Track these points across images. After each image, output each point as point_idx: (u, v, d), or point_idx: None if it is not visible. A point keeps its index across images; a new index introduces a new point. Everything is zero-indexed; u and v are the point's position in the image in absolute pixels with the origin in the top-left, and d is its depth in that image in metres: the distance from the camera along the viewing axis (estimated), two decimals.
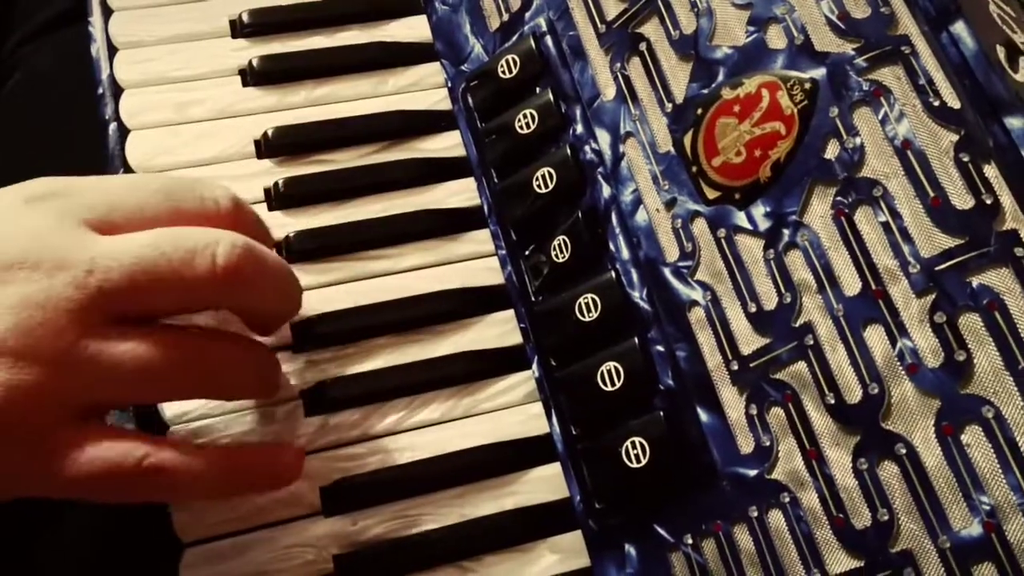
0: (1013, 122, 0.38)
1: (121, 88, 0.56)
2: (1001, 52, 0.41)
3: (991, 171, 0.38)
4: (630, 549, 0.45)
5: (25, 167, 0.66)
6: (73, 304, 0.38)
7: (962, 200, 0.38)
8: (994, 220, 0.37)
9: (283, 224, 0.53)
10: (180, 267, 0.40)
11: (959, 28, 0.40)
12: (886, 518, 0.38)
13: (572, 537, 0.47)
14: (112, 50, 0.57)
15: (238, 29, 0.58)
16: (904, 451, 0.38)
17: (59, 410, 0.38)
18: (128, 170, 0.54)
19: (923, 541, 0.37)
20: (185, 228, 0.41)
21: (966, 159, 0.38)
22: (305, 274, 0.52)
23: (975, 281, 0.37)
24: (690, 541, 0.43)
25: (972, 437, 0.36)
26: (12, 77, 0.68)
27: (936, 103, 0.39)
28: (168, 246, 0.40)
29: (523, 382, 0.51)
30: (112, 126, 0.55)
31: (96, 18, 0.58)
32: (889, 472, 0.38)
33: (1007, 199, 0.37)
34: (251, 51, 0.58)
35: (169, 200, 0.42)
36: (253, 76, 0.57)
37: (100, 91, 0.57)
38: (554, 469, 0.49)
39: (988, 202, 0.37)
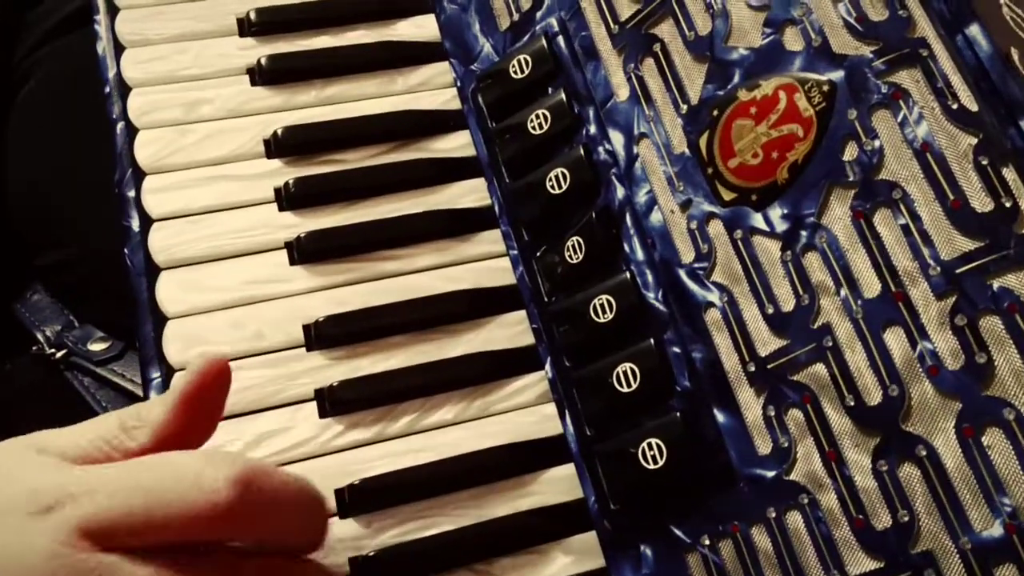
0: None
1: (128, 87, 0.56)
2: (1016, 54, 0.42)
3: (1010, 174, 0.38)
4: (646, 550, 0.45)
5: (44, 170, 0.67)
6: None
7: (982, 203, 0.38)
8: (1014, 223, 0.37)
9: (293, 225, 0.53)
10: None
11: (974, 31, 0.40)
12: (906, 519, 0.38)
13: (587, 538, 0.47)
14: (119, 49, 0.57)
15: (246, 28, 0.58)
16: (924, 453, 0.38)
17: None
18: (137, 170, 0.54)
19: (944, 542, 0.37)
20: None
21: (985, 162, 0.39)
22: (316, 275, 0.52)
23: (996, 284, 0.37)
24: (707, 542, 0.43)
25: (993, 439, 0.37)
26: (27, 83, 0.68)
27: (954, 106, 0.40)
28: None
29: (536, 383, 0.51)
30: (120, 125, 0.55)
31: (102, 16, 0.58)
32: (909, 474, 0.38)
33: None
34: (259, 50, 0.58)
35: (171, 503, 0.38)
36: (262, 75, 0.57)
37: (107, 90, 0.56)
38: (568, 470, 0.49)
39: (1007, 205, 0.38)
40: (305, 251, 0.52)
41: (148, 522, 0.37)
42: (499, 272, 0.53)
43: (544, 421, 0.50)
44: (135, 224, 0.53)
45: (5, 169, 0.67)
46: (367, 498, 0.47)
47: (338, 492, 0.47)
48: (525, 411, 0.50)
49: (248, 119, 0.56)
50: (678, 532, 0.44)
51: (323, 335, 0.50)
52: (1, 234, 0.67)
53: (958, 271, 0.38)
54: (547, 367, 0.51)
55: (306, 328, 0.50)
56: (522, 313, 0.52)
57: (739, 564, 0.42)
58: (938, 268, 0.38)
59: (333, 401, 0.49)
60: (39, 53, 0.68)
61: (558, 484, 0.48)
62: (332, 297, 0.52)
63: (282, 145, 0.55)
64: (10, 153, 0.68)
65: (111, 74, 0.56)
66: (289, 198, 0.53)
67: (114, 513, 0.37)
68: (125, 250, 0.52)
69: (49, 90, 0.67)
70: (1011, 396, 0.36)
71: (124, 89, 0.56)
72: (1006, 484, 0.36)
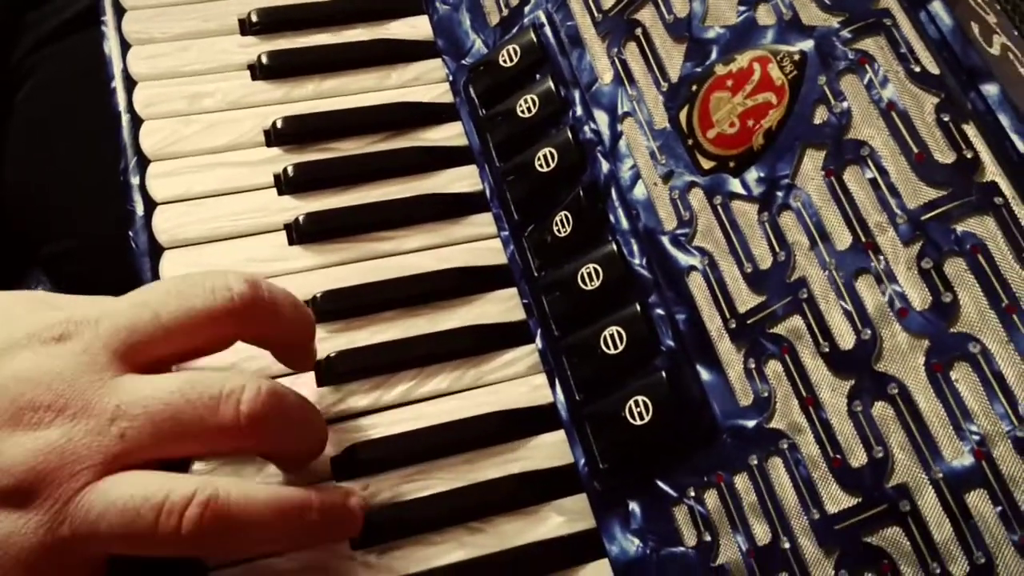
0: (989, 89, 0.41)
1: (134, 82, 0.58)
2: (975, 28, 0.44)
3: (970, 130, 0.40)
4: (634, 506, 0.46)
5: (44, 167, 0.69)
6: (94, 451, 0.38)
7: (944, 155, 0.41)
8: (974, 173, 0.40)
9: (292, 207, 0.55)
10: (204, 415, 0.40)
11: (936, 7, 0.43)
12: (881, 455, 0.40)
13: (577, 500, 0.49)
14: (125, 47, 0.59)
15: (247, 27, 0.61)
16: (896, 391, 0.40)
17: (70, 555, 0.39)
18: (141, 158, 0.56)
19: (917, 474, 0.39)
20: (210, 374, 0.41)
21: (947, 119, 0.41)
22: (314, 254, 0.54)
23: (959, 228, 0.39)
24: (692, 494, 0.45)
25: (960, 373, 0.38)
26: (26, 84, 0.70)
27: (917, 69, 0.42)
28: (192, 393, 0.40)
29: (527, 355, 0.52)
30: (125, 117, 0.57)
31: (109, 16, 0.60)
32: (883, 412, 0.40)
33: (986, 155, 0.40)
34: (259, 48, 0.60)
35: (180, 300, 0.42)
36: (262, 70, 0.59)
37: (112, 85, 0.59)
38: (558, 436, 0.50)
39: (969, 156, 0.40)
40: (304, 232, 0.54)
41: (167, 330, 0.41)
42: (490, 252, 0.55)
43: (535, 391, 0.51)
44: (139, 208, 0.55)
45: (4, 166, 0.69)
46: (363, 462, 0.48)
47: (335, 457, 0.49)
48: (516, 381, 0.52)
49: (248, 111, 0.58)
50: (664, 486, 0.46)
51: (321, 309, 0.52)
52: (2, 227, 0.69)
53: (923, 218, 0.40)
54: (537, 339, 0.52)
55: (306, 302, 0.52)
56: (513, 290, 0.54)
57: (724, 512, 0.44)
58: (905, 217, 0.41)
59: (331, 371, 0.51)
60: (42, 52, 0.71)
61: (549, 449, 0.50)
62: (329, 275, 0.54)
63: (282, 134, 0.57)
64: (10, 150, 0.69)
65: (117, 70, 0.59)
66: (288, 182, 0.56)
67: (133, 325, 0.41)
68: (129, 232, 0.54)
69: (51, 89, 0.70)
70: (976, 331, 0.38)
71: (130, 84, 0.58)
72: (974, 414, 0.38)
